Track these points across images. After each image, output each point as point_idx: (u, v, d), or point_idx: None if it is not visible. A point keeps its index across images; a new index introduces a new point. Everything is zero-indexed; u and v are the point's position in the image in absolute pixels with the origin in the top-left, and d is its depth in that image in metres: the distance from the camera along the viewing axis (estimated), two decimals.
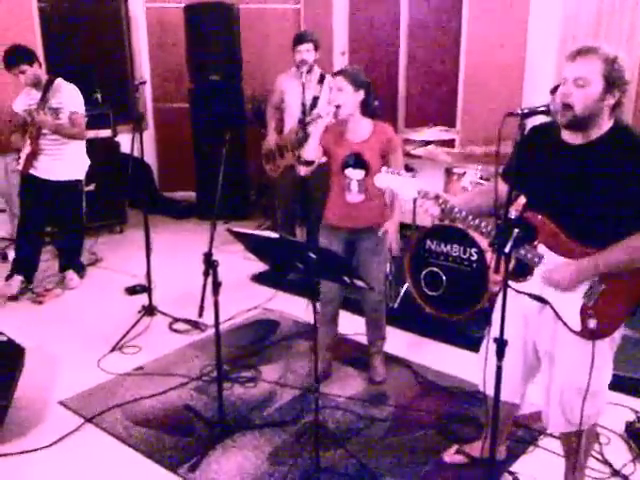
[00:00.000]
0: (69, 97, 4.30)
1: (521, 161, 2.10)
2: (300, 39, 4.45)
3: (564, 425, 2.30)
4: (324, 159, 3.24)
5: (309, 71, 4.35)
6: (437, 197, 2.27)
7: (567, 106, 1.99)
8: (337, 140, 3.13)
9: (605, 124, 2.04)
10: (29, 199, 4.44)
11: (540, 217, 2.14)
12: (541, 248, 2.15)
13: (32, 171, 4.34)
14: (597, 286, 2.09)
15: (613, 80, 1.97)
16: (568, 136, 2.10)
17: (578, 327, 2.13)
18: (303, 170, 3.22)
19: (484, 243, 3.65)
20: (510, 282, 2.21)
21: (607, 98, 1.99)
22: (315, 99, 4.49)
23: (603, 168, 2.01)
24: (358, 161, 3.08)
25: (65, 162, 4.39)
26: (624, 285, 2.06)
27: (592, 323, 2.09)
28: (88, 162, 4.51)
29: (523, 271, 2.19)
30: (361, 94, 3.05)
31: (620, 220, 2.03)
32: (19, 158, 4.36)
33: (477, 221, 2.22)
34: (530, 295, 2.23)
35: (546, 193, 2.14)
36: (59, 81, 4.31)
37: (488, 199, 2.27)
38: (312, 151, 3.14)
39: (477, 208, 2.30)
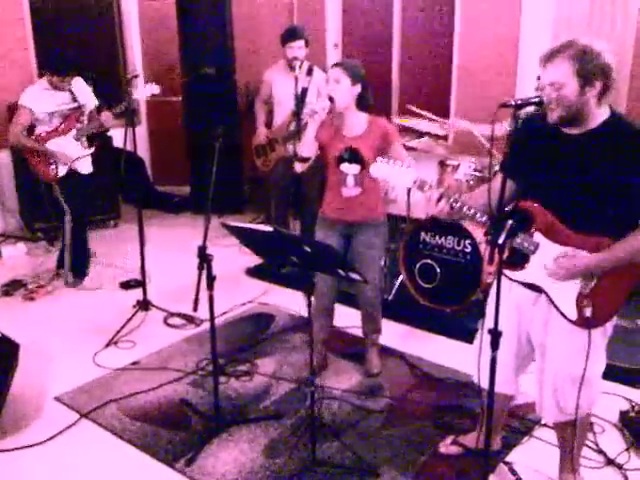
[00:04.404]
0: (90, 95, 4.34)
1: (518, 152, 2.11)
2: (292, 36, 4.43)
3: (558, 414, 2.31)
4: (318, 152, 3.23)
5: (300, 66, 4.35)
6: (444, 194, 2.22)
7: (552, 110, 2.02)
8: (333, 135, 3.12)
9: (598, 113, 2.05)
10: (78, 196, 4.41)
11: (536, 205, 2.14)
12: (537, 236, 2.15)
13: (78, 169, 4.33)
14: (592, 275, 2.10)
15: (588, 73, 1.97)
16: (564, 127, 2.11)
17: (574, 316, 2.14)
18: (299, 167, 3.20)
19: (478, 235, 3.65)
20: (506, 271, 2.22)
21: (587, 91, 1.99)
22: (304, 91, 4.49)
23: (601, 157, 2.02)
24: (353, 156, 3.07)
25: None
26: (619, 274, 2.08)
27: (588, 311, 2.10)
28: None
29: (519, 260, 2.19)
30: (358, 88, 3.03)
31: (617, 208, 2.04)
32: (53, 165, 4.24)
33: (485, 218, 2.21)
34: (525, 284, 2.23)
35: (544, 182, 2.14)
36: (77, 79, 4.28)
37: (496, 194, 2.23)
38: (308, 147, 3.14)
39: (484, 205, 2.29)
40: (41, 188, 4.54)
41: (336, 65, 3.09)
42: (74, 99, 4.24)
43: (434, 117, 4.26)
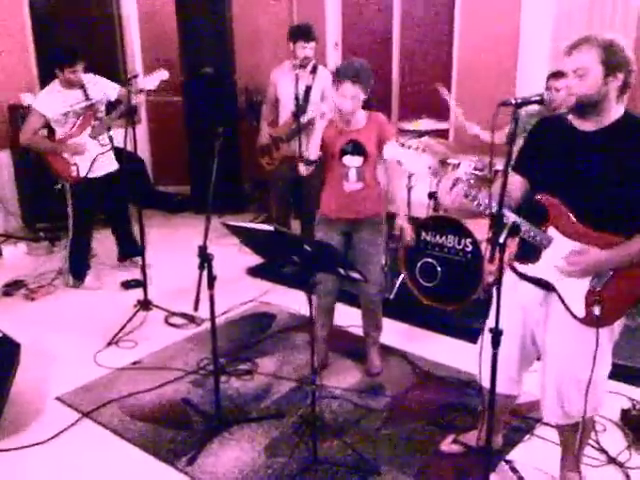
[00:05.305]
0: (106, 86, 4.31)
1: (533, 151, 2.11)
2: (307, 36, 4.36)
3: (562, 417, 2.31)
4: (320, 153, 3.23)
5: (307, 65, 4.35)
6: (458, 181, 2.16)
7: (572, 95, 2.02)
8: (335, 132, 3.13)
9: (615, 110, 2.05)
10: (86, 204, 4.36)
11: (553, 200, 2.12)
12: (551, 231, 2.14)
13: (90, 174, 4.28)
14: (605, 272, 2.10)
15: (612, 63, 1.99)
16: (579, 123, 2.10)
17: (582, 313, 2.13)
18: (304, 169, 3.18)
19: (479, 234, 3.65)
20: (517, 264, 2.21)
21: (609, 81, 2.00)
22: (308, 89, 4.47)
23: (616, 154, 2.02)
24: (356, 148, 3.08)
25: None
26: (631, 273, 2.07)
27: (596, 309, 2.09)
28: None
29: (532, 254, 2.18)
30: (367, 93, 3.04)
31: (630, 206, 2.04)
32: (74, 166, 4.20)
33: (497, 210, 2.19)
34: (535, 280, 2.22)
35: (558, 179, 2.13)
36: (87, 76, 4.25)
37: (510, 191, 2.17)
38: (316, 150, 3.13)
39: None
40: (49, 187, 4.45)
41: (355, 82, 2.94)
42: (86, 96, 4.20)
43: (457, 109, 4.36)
